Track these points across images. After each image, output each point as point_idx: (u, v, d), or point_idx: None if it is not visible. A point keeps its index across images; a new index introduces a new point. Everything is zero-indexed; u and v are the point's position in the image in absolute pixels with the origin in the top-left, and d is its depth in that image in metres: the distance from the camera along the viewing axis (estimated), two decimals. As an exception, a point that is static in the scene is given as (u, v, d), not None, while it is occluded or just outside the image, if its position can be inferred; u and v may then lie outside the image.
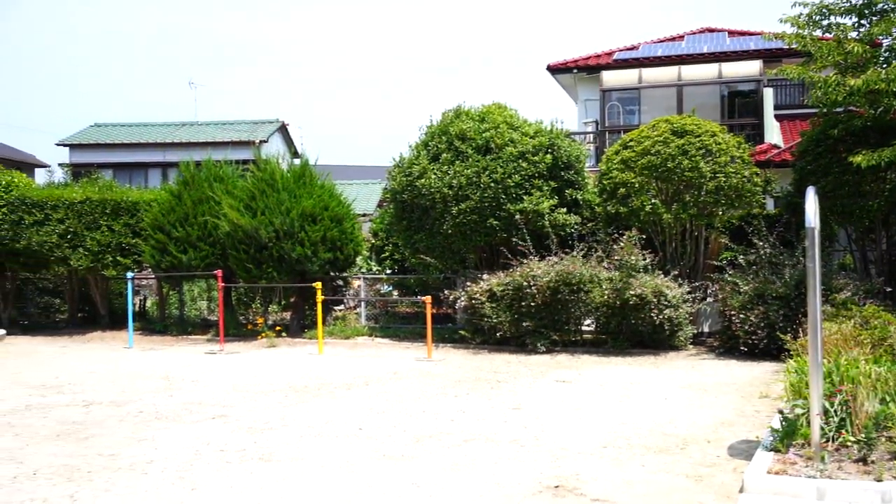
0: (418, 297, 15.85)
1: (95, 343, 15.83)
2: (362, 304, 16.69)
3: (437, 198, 13.85)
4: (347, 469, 6.18)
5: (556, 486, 5.67)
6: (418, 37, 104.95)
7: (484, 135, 14.04)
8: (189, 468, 6.26)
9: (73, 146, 30.35)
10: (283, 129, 32.44)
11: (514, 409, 8.44)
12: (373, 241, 18.94)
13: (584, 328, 13.71)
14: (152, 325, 17.38)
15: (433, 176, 13.91)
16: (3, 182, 17.31)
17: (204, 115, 51.67)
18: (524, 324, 12.86)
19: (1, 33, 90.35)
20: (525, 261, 13.25)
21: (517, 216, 13.54)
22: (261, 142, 28.90)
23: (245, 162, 20.00)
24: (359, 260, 17.69)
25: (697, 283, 13.60)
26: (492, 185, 13.59)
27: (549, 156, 13.99)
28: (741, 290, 12.24)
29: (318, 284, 14.00)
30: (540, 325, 12.89)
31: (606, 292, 12.63)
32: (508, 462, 6.34)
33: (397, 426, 7.69)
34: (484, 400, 9.02)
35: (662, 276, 12.87)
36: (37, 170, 36.16)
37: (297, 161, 17.01)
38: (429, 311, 12.91)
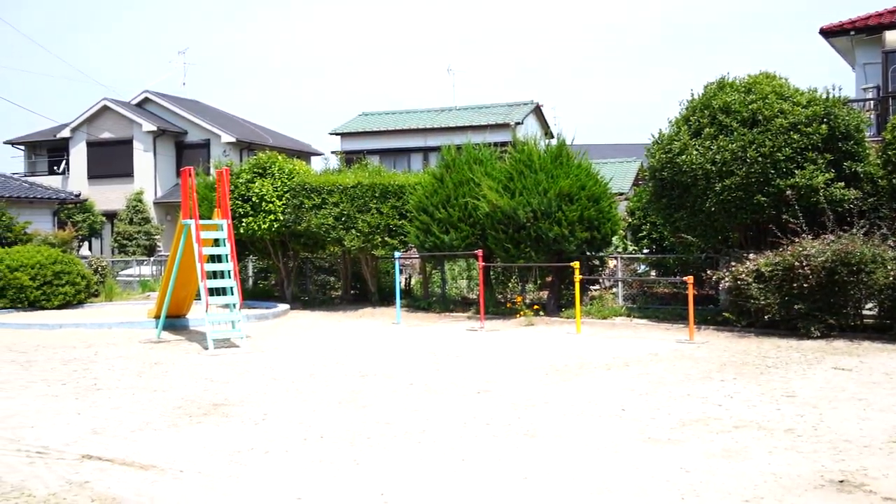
0: (677, 277, 15.40)
1: (366, 318, 16.92)
2: (619, 283, 16.48)
3: (698, 174, 13.32)
4: (612, 450, 6.14)
5: (841, 481, 5.28)
6: (673, 9, 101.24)
7: (750, 107, 13.27)
8: (458, 439, 6.52)
9: (343, 135, 32.59)
10: (537, 111, 32.71)
11: (788, 397, 7.96)
12: (629, 220, 18.62)
13: (864, 312, 12.62)
14: (417, 302, 18.27)
15: (695, 152, 13.39)
16: (287, 170, 18.96)
17: (461, 100, 53.40)
18: (795, 306, 12.06)
19: (275, 32, 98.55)
20: (796, 239, 12.41)
21: (788, 192, 12.70)
22: (516, 123, 29.37)
23: (503, 144, 20.41)
24: (615, 239, 17.49)
25: None
26: (759, 159, 12.84)
27: (823, 126, 12.96)
28: None
29: (576, 264, 14.00)
30: (813, 308, 12.03)
31: (892, 273, 11.53)
32: (784, 452, 5.99)
33: (661, 409, 7.53)
34: (753, 385, 8.59)
35: (960, 255, 11.53)
36: (312, 157, 39.21)
37: (551, 141, 17.09)
38: (690, 292, 12.48)
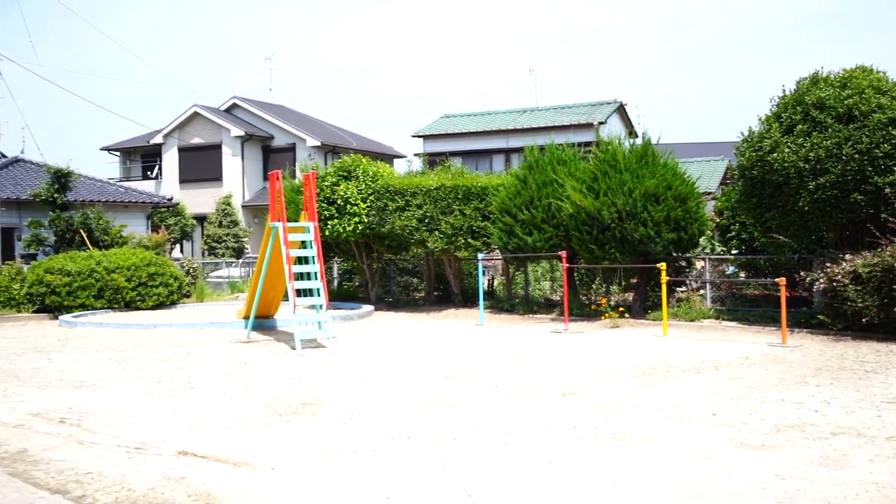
0: (769, 278, 14.98)
1: (450, 319, 16.98)
2: (707, 285, 16.12)
3: (790, 172, 12.94)
4: (703, 455, 6.00)
5: (949, 492, 5.04)
6: (759, 4, 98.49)
7: (846, 102, 12.82)
8: (545, 442, 6.47)
9: (425, 137, 32.78)
10: (620, 110, 32.29)
11: (888, 403, 7.64)
12: (717, 221, 18.22)
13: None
14: (500, 303, 18.24)
15: (787, 149, 13.00)
16: (371, 172, 19.19)
17: (544, 100, 53.18)
18: (895, 309, 11.58)
19: (357, 34, 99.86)
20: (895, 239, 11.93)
21: (886, 190, 12.22)
22: (599, 123, 29.05)
23: (586, 144, 20.21)
24: (702, 240, 17.13)
25: None
26: (855, 156, 12.39)
27: (925, 121, 12.42)
28: None
29: (663, 265, 13.76)
30: (915, 311, 11.53)
31: None
32: (886, 460, 5.74)
33: (754, 414, 7.32)
34: (851, 391, 8.28)
35: None
36: (395, 160, 39.57)
37: (635, 141, 16.83)
38: (783, 294, 12.12)
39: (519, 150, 28.15)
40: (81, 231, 21.98)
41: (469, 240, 17.73)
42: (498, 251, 18.34)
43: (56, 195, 22.73)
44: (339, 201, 18.79)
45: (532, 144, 18.04)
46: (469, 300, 18.86)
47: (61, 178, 22.90)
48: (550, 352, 11.70)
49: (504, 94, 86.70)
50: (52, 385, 9.66)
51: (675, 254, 15.76)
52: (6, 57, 24.93)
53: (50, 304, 18.48)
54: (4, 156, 27.50)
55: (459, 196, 17.80)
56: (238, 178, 35.72)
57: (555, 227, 16.36)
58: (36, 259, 21.35)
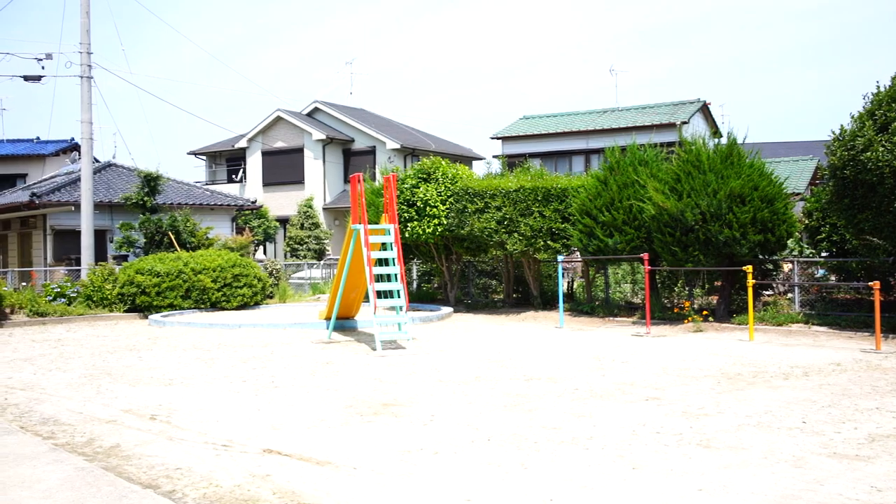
0: (860, 282, 14.45)
1: (528, 322, 16.89)
2: (795, 288, 15.63)
3: (885, 172, 12.44)
4: (793, 464, 5.81)
5: None
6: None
7: (945, 98, 12.28)
8: (627, 447, 6.37)
9: (504, 139, 32.73)
10: (703, 109, 31.64)
11: None
12: (806, 222, 17.65)
13: None
14: (579, 306, 18.05)
15: (881, 148, 12.51)
16: (450, 175, 19.24)
17: (624, 100, 52.50)
18: None
19: (442, 38, 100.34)
20: None
21: None
22: (681, 123, 28.54)
23: (668, 144, 19.86)
24: (790, 242, 16.63)
25: None
26: (955, 154, 11.85)
27: None
28: None
29: (749, 268, 13.41)
30: None
31: None
32: None
33: (846, 422, 7.06)
34: (951, 400, 7.91)
35: None
36: (474, 162, 39.64)
37: (720, 141, 16.44)
38: (877, 298, 11.67)
39: (599, 151, 27.87)
40: (170, 233, 22.65)
41: (548, 242, 17.60)
42: (578, 253, 18.15)
43: (146, 198, 23.51)
44: (418, 203, 18.90)
45: (613, 145, 17.79)
46: (548, 303, 18.73)
47: (151, 182, 23.67)
48: (632, 355, 11.53)
49: (584, 94, 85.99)
50: (142, 382, 9.97)
51: (761, 256, 15.34)
52: (99, 65, 25.84)
53: (140, 303, 19.09)
54: (97, 160, 28.55)
55: (539, 198, 17.69)
56: (319, 181, 36.31)
57: (636, 228, 16.11)
58: (127, 260, 22.11)
